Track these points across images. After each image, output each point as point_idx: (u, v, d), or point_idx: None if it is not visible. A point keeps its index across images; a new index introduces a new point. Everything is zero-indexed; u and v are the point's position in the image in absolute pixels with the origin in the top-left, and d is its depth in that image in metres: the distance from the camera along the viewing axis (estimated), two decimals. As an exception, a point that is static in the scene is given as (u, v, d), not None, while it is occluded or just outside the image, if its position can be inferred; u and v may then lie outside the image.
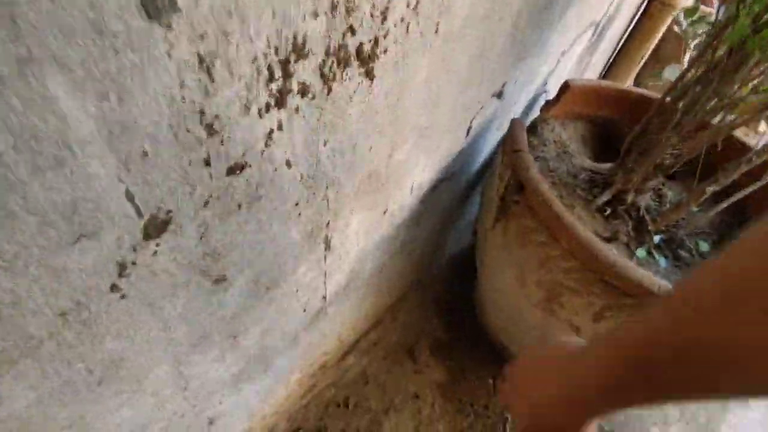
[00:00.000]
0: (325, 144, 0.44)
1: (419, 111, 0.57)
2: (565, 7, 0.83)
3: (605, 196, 0.91)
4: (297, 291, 0.60)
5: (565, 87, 1.01)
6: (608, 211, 0.91)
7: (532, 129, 1.04)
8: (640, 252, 0.89)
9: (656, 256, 0.89)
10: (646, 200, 0.95)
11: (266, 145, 0.37)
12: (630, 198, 0.92)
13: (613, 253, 0.67)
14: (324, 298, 0.69)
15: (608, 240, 0.86)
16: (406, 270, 1.04)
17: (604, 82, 1.08)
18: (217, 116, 0.32)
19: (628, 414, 1.05)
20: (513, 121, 0.86)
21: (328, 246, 0.59)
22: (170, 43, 0.26)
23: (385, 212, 0.69)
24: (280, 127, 0.37)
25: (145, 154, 0.29)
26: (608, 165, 1.00)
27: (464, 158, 0.89)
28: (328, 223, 0.56)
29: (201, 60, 0.28)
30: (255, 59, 0.31)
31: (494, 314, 1.03)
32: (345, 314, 0.84)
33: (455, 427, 0.97)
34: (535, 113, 1.10)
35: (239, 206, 0.40)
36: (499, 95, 0.82)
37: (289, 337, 0.67)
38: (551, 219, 0.71)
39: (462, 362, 1.07)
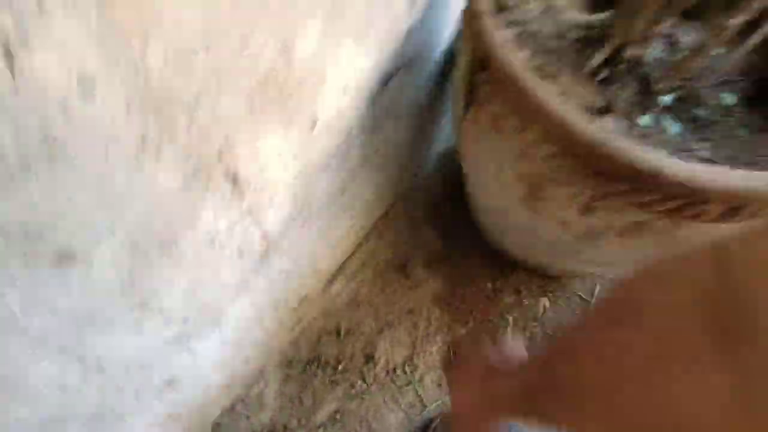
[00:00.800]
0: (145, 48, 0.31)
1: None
2: None
3: (599, 56, 0.74)
4: (213, 240, 0.50)
5: None
6: (603, 75, 0.74)
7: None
8: (644, 119, 0.74)
9: (665, 121, 0.74)
10: (653, 53, 0.77)
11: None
12: (632, 53, 0.74)
13: (594, 128, 0.53)
14: (265, 235, 0.60)
15: (602, 111, 0.71)
16: (382, 184, 0.92)
17: None
18: None
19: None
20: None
21: (234, 181, 0.48)
22: None
23: (313, 126, 0.56)
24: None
25: None
26: (605, 14, 0.80)
27: (419, 38, 0.72)
28: (220, 155, 0.44)
29: None
30: None
31: (485, 216, 0.92)
32: (310, 245, 0.76)
33: (454, 336, 0.92)
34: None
35: (31, 169, 0.29)
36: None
37: (234, 286, 0.60)
38: (520, 96, 0.56)
39: (459, 271, 1.00)
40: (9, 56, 0.24)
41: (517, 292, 0.98)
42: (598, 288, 0.99)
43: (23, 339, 0.36)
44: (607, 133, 0.66)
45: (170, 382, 0.60)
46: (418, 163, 1.06)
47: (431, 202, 1.08)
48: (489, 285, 0.99)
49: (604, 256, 0.70)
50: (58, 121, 0.28)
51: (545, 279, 1.00)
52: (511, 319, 0.95)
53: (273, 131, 0.49)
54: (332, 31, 0.49)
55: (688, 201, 0.52)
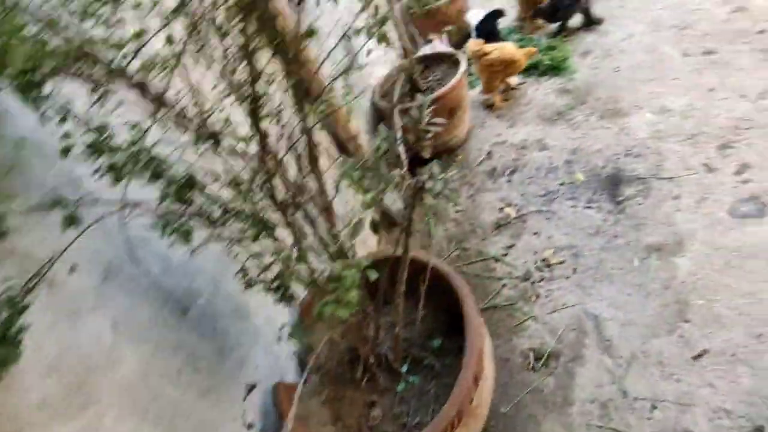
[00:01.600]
0: None
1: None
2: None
3: (360, 368, 1.32)
4: None
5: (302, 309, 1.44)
6: (367, 377, 1.31)
7: (309, 350, 1.45)
8: (400, 386, 1.29)
9: (411, 379, 1.29)
10: (387, 345, 1.36)
11: None
12: (375, 354, 1.33)
13: None
14: None
15: (372, 405, 1.26)
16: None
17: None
18: None
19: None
20: (274, 387, 1.26)
21: None
22: None
23: None
24: None
25: None
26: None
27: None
28: None
29: None
30: None
31: None
32: None
33: None
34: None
35: None
36: (244, 398, 1.22)
37: None
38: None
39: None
40: None
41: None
42: None
43: None
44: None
45: None
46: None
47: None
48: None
49: None
50: None
51: None
52: None
53: None
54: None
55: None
